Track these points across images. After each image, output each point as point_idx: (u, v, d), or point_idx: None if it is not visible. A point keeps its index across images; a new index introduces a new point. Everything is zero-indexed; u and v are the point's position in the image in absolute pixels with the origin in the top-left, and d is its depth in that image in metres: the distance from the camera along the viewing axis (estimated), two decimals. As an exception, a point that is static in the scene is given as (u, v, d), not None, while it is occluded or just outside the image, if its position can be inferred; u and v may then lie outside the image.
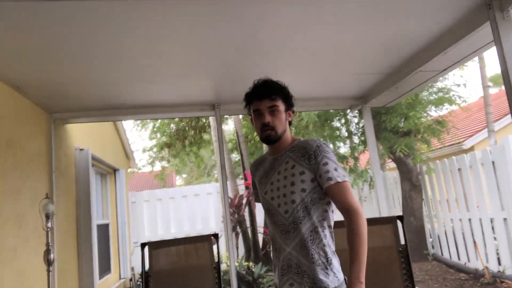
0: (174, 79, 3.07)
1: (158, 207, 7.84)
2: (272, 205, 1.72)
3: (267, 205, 1.76)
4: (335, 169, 1.62)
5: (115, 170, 6.12)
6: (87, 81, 2.90)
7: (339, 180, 1.60)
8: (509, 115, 9.32)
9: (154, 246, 2.97)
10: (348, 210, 1.59)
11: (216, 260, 2.98)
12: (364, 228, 1.57)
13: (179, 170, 13.42)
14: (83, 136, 4.51)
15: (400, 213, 7.19)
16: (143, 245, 2.97)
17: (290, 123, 1.81)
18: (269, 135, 1.69)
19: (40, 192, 3.11)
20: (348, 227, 1.58)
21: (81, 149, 4.17)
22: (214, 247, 3.01)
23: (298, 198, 1.65)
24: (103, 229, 5.75)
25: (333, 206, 1.69)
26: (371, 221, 3.28)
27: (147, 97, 3.40)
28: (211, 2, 1.96)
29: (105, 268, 5.66)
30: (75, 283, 3.96)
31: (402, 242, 2.86)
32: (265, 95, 1.68)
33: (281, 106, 1.70)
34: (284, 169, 1.71)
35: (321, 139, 1.74)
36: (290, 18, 2.24)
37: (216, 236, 3.07)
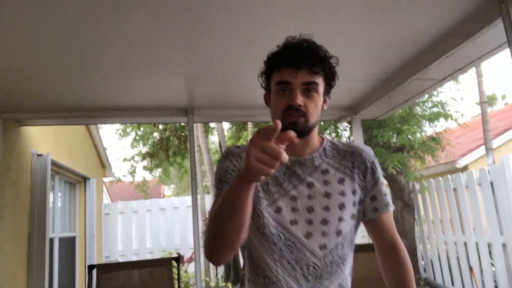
0: (141, 77, 2.66)
1: (134, 220, 7.35)
2: (291, 233, 1.10)
3: (278, 230, 1.11)
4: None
5: (85, 179, 5.68)
6: (41, 78, 2.50)
7: (392, 207, 1.21)
8: (505, 134, 9.09)
9: (104, 270, 2.54)
10: (396, 244, 1.21)
11: (176, 287, 2.56)
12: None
13: (164, 181, 12.95)
14: (45, 141, 4.09)
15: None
16: (90, 268, 2.54)
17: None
18: (296, 123, 1.07)
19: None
20: (399, 264, 1.19)
21: (39, 155, 3.73)
22: (186, 269, 2.59)
23: (345, 229, 1.13)
24: (69, 242, 5.28)
25: None
26: (361, 248, 2.90)
27: (110, 98, 2.99)
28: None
29: (68, 285, 5.18)
30: (23, 306, 3.49)
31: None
32: (304, 64, 1.07)
33: (321, 86, 1.13)
34: (322, 182, 1.14)
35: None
36: (273, 15, 1.89)
37: (177, 259, 2.65)
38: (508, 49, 1.82)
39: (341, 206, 1.13)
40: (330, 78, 1.16)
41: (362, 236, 8.23)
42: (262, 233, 1.11)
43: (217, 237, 0.97)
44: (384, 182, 1.21)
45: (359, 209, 1.18)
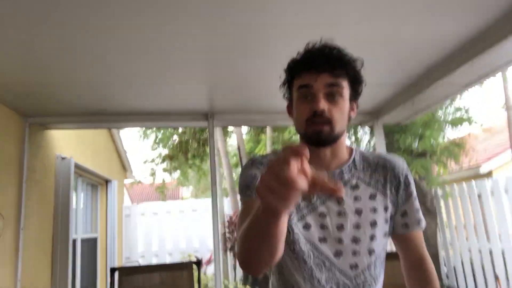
0: (163, 83, 2.70)
1: (154, 222, 7.43)
2: (319, 251, 1.05)
3: (307, 248, 1.05)
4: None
5: (107, 181, 5.77)
6: (66, 83, 2.56)
7: (424, 224, 1.14)
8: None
9: (126, 273, 2.58)
10: (425, 260, 1.13)
11: (197, 292, 2.57)
12: None
13: (183, 183, 13.05)
14: (69, 144, 4.17)
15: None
16: (112, 270, 2.58)
17: (349, 120, 1.10)
18: (320, 131, 1.01)
19: (2, 205, 2.75)
20: (427, 282, 1.10)
21: (63, 158, 3.82)
22: (205, 271, 2.60)
23: (378, 247, 1.07)
24: (91, 244, 5.38)
25: None
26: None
27: (132, 103, 3.04)
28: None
29: (90, 285, 5.27)
30: (47, 305, 3.56)
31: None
32: (325, 67, 1.02)
33: (346, 90, 1.05)
34: (353, 198, 1.08)
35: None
36: (295, 20, 1.89)
37: (198, 263, 2.67)
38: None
39: (373, 224, 1.06)
40: (355, 82, 1.09)
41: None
42: (293, 249, 1.05)
43: (249, 253, 0.90)
44: (417, 197, 1.14)
45: (391, 225, 1.12)
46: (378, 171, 1.12)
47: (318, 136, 1.02)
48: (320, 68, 1.01)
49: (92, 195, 5.57)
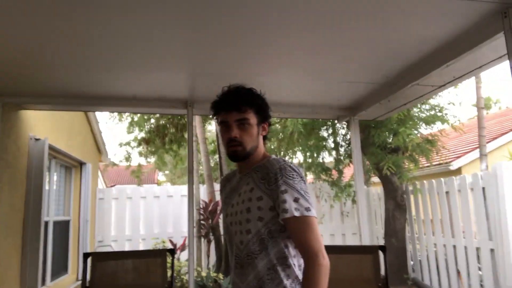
0: (143, 70, 2.66)
1: (128, 206, 7.35)
2: (230, 231, 1.49)
3: (227, 230, 1.53)
4: (296, 200, 1.34)
5: (81, 164, 5.68)
6: (45, 64, 2.49)
7: (296, 214, 1.32)
8: (499, 139, 9.14)
9: (99, 258, 2.58)
10: (304, 253, 1.34)
11: (169, 279, 2.60)
12: (322, 278, 1.27)
13: (159, 167, 12.95)
14: (43, 125, 4.09)
15: (382, 231, 6.89)
16: (86, 256, 2.58)
17: (265, 137, 1.55)
18: (235, 151, 1.44)
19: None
20: (303, 273, 1.32)
21: (37, 139, 3.74)
22: (178, 257, 2.63)
23: (254, 229, 1.40)
24: (63, 226, 5.32)
25: None
26: (350, 250, 2.95)
27: (111, 87, 3.00)
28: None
29: (61, 268, 5.22)
30: (15, 286, 3.52)
31: (383, 273, 2.53)
32: (233, 107, 1.43)
33: (252, 119, 1.45)
34: (244, 191, 1.47)
35: (287, 160, 1.49)
36: (277, 14, 1.90)
37: (172, 251, 2.69)
38: (507, 61, 1.85)
39: (248, 210, 1.41)
40: (261, 111, 1.48)
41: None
42: (225, 234, 1.60)
43: None
44: (287, 190, 1.35)
45: (274, 214, 1.38)
46: (263, 171, 1.43)
47: (234, 154, 1.45)
48: (230, 108, 1.44)
49: (65, 177, 5.48)
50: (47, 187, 4.38)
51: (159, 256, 2.60)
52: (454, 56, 2.25)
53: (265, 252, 1.37)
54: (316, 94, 3.31)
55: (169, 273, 2.59)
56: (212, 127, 11.35)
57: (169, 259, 2.70)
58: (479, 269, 5.10)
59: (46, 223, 4.49)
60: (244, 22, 2.01)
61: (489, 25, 1.96)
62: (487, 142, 8.30)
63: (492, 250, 4.81)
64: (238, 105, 1.43)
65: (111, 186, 11.64)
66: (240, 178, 1.52)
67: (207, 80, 2.90)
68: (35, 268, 3.61)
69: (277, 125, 7.15)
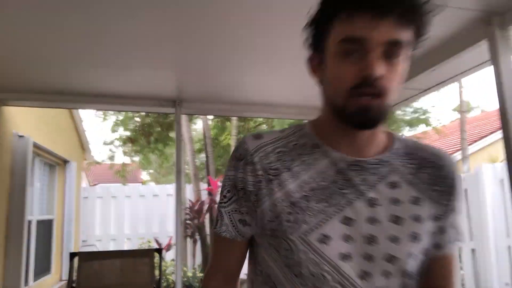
0: (130, 67, 2.65)
1: (112, 205, 7.29)
2: (341, 274, 0.70)
3: (322, 269, 0.71)
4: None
5: (65, 162, 5.61)
6: (29, 58, 2.44)
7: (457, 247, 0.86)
8: (480, 142, 9.37)
9: (85, 258, 2.56)
10: None
11: (158, 278, 2.60)
12: None
13: (144, 166, 12.85)
14: (27, 122, 4.02)
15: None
16: (72, 255, 2.56)
17: None
18: (369, 108, 0.68)
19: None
20: None
21: (20, 136, 3.68)
22: (164, 256, 2.65)
23: (416, 268, 0.76)
24: (46, 225, 5.24)
25: None
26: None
27: (97, 85, 2.96)
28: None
29: (44, 268, 5.14)
30: (-2, 288, 3.46)
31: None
32: (394, 8, 0.66)
33: (409, 46, 0.72)
34: (389, 199, 0.75)
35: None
36: (266, 18, 1.91)
37: (159, 251, 2.69)
38: (491, 67, 1.93)
39: (414, 237, 0.74)
40: (419, 37, 0.74)
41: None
42: (298, 274, 0.72)
43: None
44: (461, 211, 0.83)
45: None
46: (426, 167, 0.80)
47: (365, 114, 0.68)
48: (384, 10, 0.65)
49: (49, 176, 5.40)
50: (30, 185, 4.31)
51: (146, 256, 2.60)
52: (438, 61, 2.32)
53: None
54: (304, 95, 3.34)
55: (156, 273, 2.59)
56: (198, 126, 11.31)
57: (156, 259, 2.70)
58: (461, 268, 5.23)
59: (29, 222, 4.42)
60: (232, 21, 2.02)
61: (473, 32, 2.02)
62: (469, 145, 8.50)
63: (473, 250, 4.94)
64: (404, 8, 0.67)
65: (94, 185, 11.50)
66: (353, 165, 0.75)
67: (195, 79, 2.91)
68: (17, 268, 3.55)
69: (264, 125, 7.19)
